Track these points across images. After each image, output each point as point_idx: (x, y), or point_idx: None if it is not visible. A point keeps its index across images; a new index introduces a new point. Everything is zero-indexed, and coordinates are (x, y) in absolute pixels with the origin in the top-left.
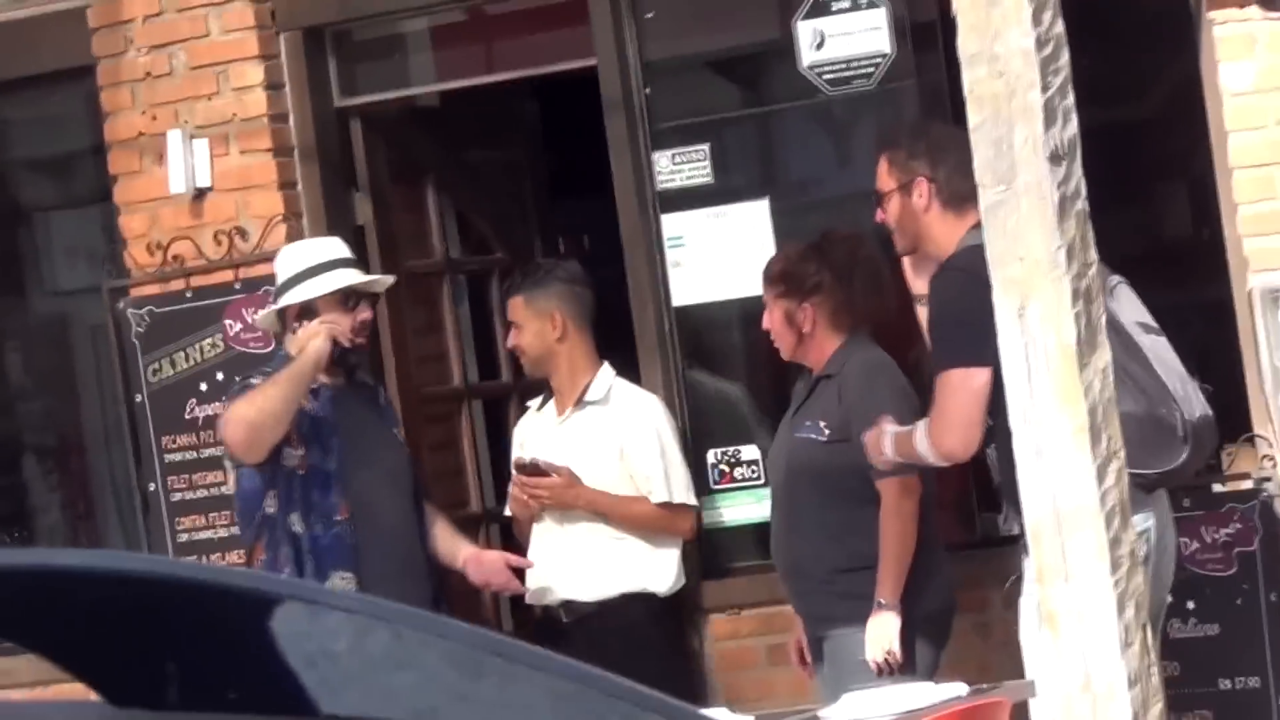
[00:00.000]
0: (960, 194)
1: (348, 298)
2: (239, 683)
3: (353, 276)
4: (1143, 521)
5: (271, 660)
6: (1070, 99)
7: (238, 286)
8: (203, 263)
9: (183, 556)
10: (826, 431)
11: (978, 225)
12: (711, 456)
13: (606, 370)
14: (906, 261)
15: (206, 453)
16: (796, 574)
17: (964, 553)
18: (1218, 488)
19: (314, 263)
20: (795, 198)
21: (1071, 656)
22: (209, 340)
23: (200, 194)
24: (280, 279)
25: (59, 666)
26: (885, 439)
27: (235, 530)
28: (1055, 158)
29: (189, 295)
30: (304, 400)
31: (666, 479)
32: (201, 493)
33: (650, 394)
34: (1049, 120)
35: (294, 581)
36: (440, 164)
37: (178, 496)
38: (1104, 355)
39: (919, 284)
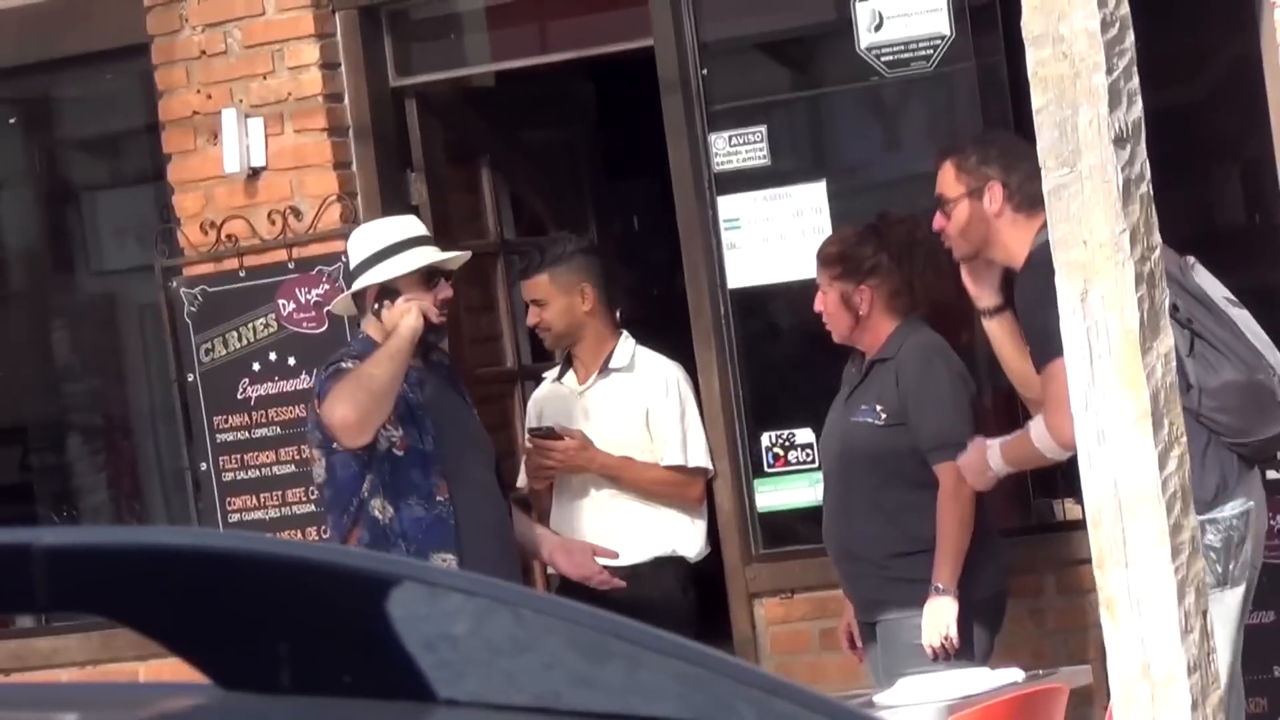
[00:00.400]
0: (1032, 197)
1: (429, 276)
2: (353, 666)
3: (433, 254)
4: (1242, 504)
5: (388, 643)
6: (1135, 81)
7: (291, 266)
8: (256, 242)
9: None
10: (884, 415)
11: (1045, 226)
12: (766, 439)
13: (627, 338)
14: (964, 269)
15: (259, 433)
16: (851, 558)
17: (1018, 538)
18: (1272, 474)
19: (392, 241)
20: (852, 180)
21: (1130, 643)
22: (262, 320)
23: (255, 173)
24: (356, 260)
25: (168, 648)
26: (990, 454)
27: (286, 511)
28: (1120, 140)
29: (242, 275)
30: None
31: (684, 443)
32: (253, 473)
33: (671, 361)
34: (1114, 102)
35: (413, 562)
36: (495, 144)
37: (229, 477)
38: (1166, 340)
39: (979, 291)
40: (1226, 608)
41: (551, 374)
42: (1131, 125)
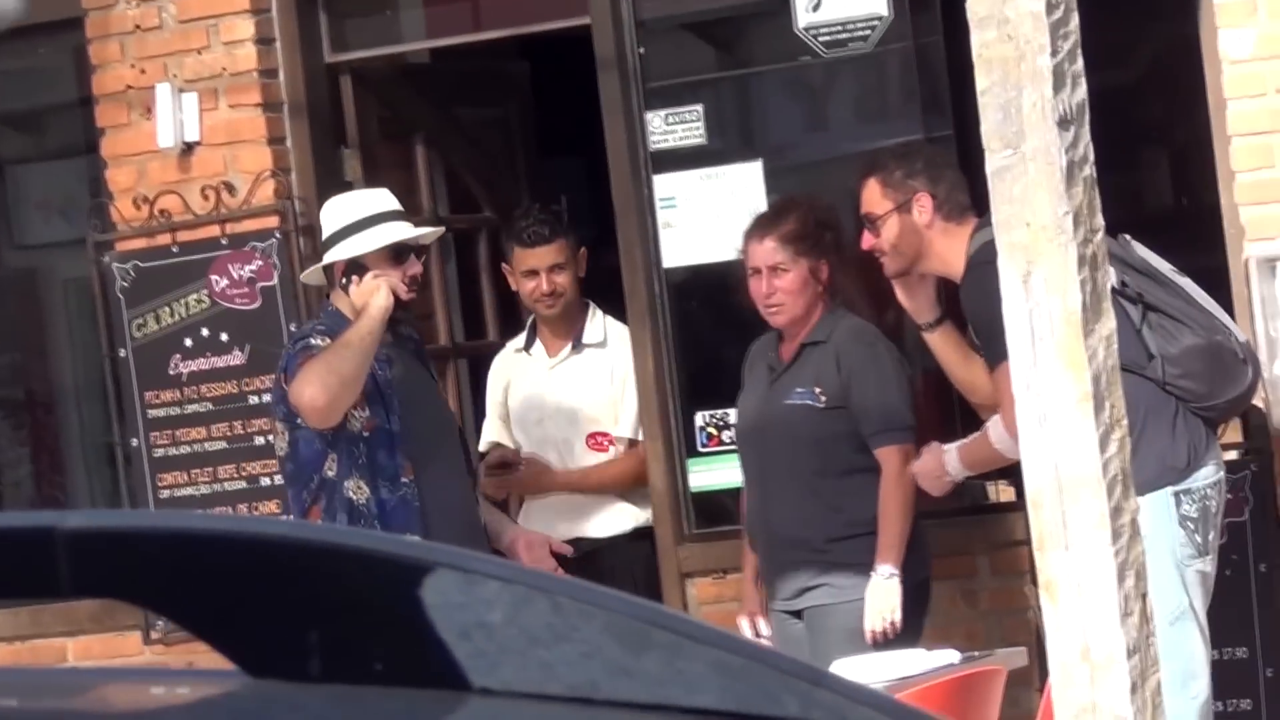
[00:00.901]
0: (960, 207)
1: (398, 252)
2: (385, 654)
3: (403, 231)
4: (1214, 473)
5: (422, 631)
6: (1079, 63)
7: (224, 242)
8: (189, 218)
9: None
10: (823, 398)
11: (977, 228)
12: (700, 419)
13: (595, 310)
14: (898, 287)
15: (190, 409)
16: (786, 543)
17: (951, 519)
18: None
19: (362, 215)
20: (788, 160)
21: (1070, 626)
22: (194, 296)
23: (188, 148)
24: (327, 231)
25: (195, 634)
26: (948, 459)
27: (218, 487)
28: (1064, 122)
29: (175, 250)
30: None
31: (636, 417)
32: (184, 449)
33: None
34: (1058, 84)
35: (448, 549)
36: (430, 122)
37: (160, 453)
38: (1109, 323)
39: (916, 307)
40: (1205, 578)
41: (516, 343)
42: (1076, 107)
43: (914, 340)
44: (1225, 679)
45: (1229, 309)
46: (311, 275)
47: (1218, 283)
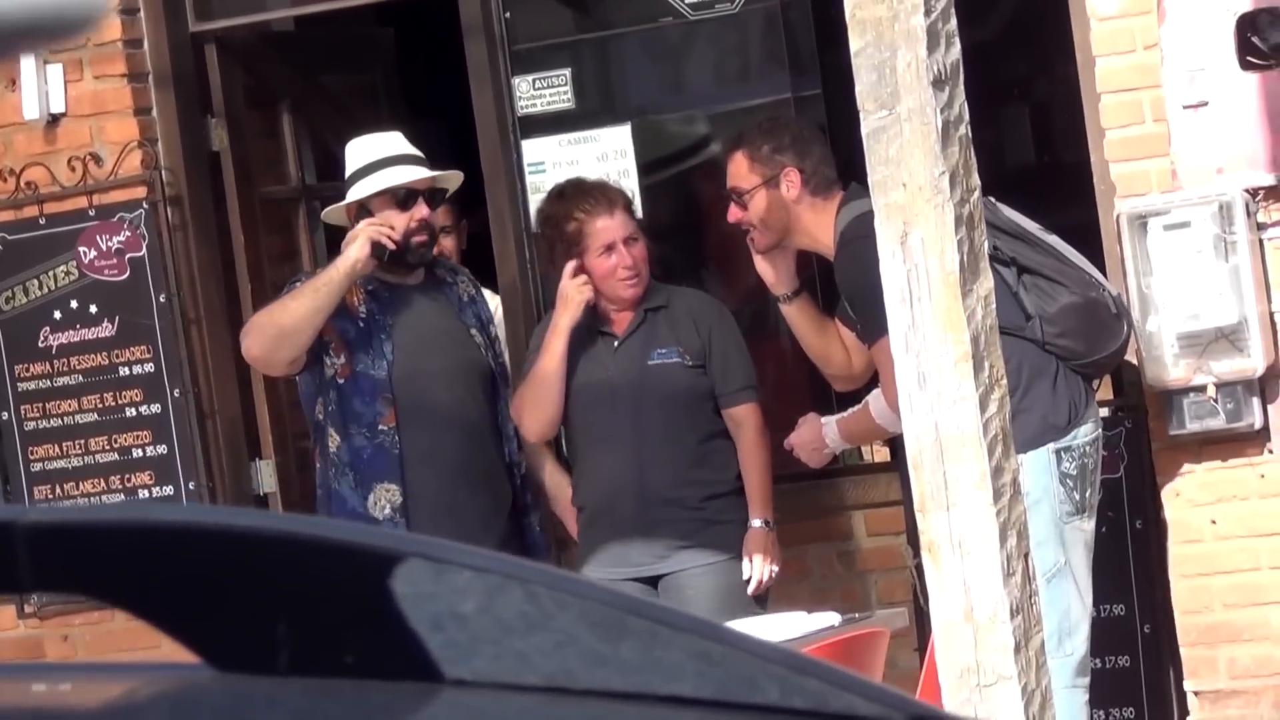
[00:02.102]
0: (827, 181)
1: (407, 196)
2: (356, 647)
3: (399, 175)
4: (1092, 430)
5: (392, 622)
6: (953, 23)
7: (92, 214)
8: (56, 189)
9: (36, 486)
10: (688, 357)
11: (844, 201)
12: None
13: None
14: (759, 261)
15: (60, 381)
16: (657, 504)
17: (827, 480)
18: None
19: (370, 160)
20: (657, 122)
21: (952, 586)
22: (63, 268)
23: (54, 120)
24: (347, 174)
25: (159, 629)
26: (828, 432)
27: (90, 459)
28: (938, 82)
29: (42, 222)
30: (356, 303)
31: None
32: (55, 422)
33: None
34: (932, 44)
35: (419, 538)
36: (296, 90)
37: (31, 426)
38: (986, 282)
39: (776, 279)
40: (1085, 534)
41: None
42: (950, 67)
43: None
44: (1104, 636)
45: (1100, 266)
46: (332, 214)
47: (1088, 239)
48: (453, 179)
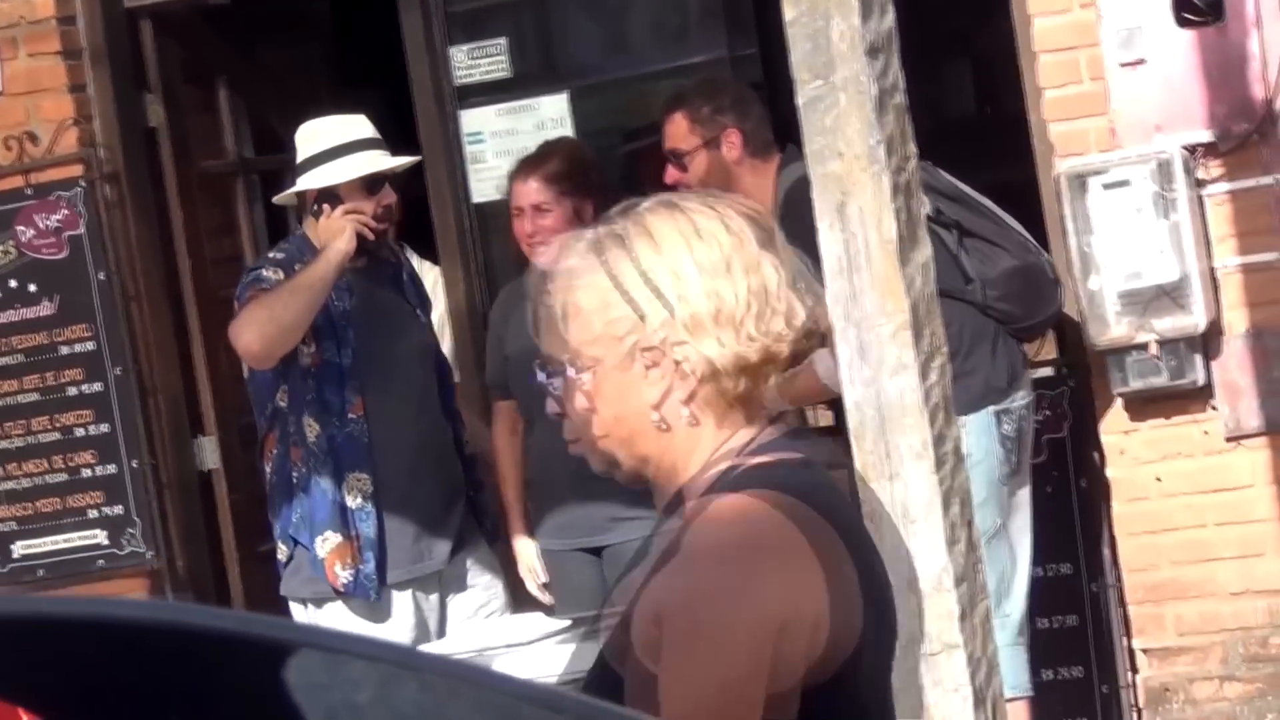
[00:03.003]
0: (767, 143)
1: (372, 181)
2: None
3: (376, 162)
4: (1027, 395)
5: (286, 715)
6: None
7: (29, 192)
8: None
9: None
10: None
11: (782, 164)
12: None
13: (410, 253)
14: None
15: (1, 362)
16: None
17: None
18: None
19: (337, 143)
20: (594, 86)
21: (897, 555)
22: (1, 248)
23: None
24: (300, 156)
25: None
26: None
27: (32, 440)
28: (873, 51)
29: None
30: None
31: (452, 356)
32: None
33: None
34: (866, 13)
35: (311, 628)
36: (232, 64)
37: None
38: (925, 250)
39: None
40: (1021, 496)
41: None
42: (884, 35)
43: None
44: (1050, 595)
45: (1040, 225)
46: (284, 198)
47: (1028, 199)
48: (411, 163)
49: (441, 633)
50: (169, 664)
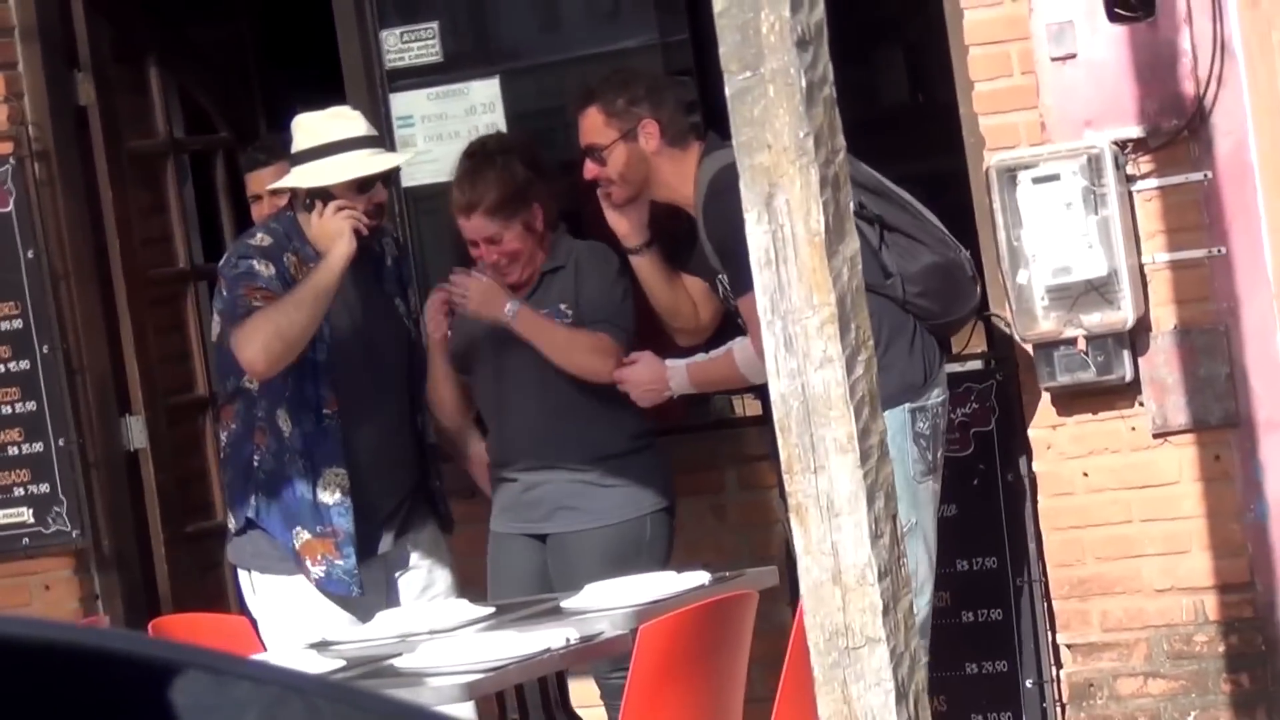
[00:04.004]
0: (683, 130)
1: (364, 179)
2: None
3: (369, 164)
4: (941, 393)
5: None
6: None
7: None
8: None
9: None
10: (570, 312)
11: (705, 151)
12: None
13: None
14: (611, 213)
15: None
16: (546, 466)
17: (698, 434)
18: (954, 367)
19: (331, 139)
20: (526, 69)
21: (820, 548)
22: None
23: None
24: (296, 146)
25: None
26: (673, 375)
27: None
28: (802, 43)
29: None
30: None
31: None
32: None
33: None
34: (795, 5)
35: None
36: (163, 42)
37: None
38: (852, 243)
39: (629, 230)
40: (934, 494)
41: None
42: (814, 27)
43: None
44: (976, 589)
45: (970, 218)
46: (278, 188)
47: (956, 190)
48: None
49: (385, 608)
50: (56, 683)
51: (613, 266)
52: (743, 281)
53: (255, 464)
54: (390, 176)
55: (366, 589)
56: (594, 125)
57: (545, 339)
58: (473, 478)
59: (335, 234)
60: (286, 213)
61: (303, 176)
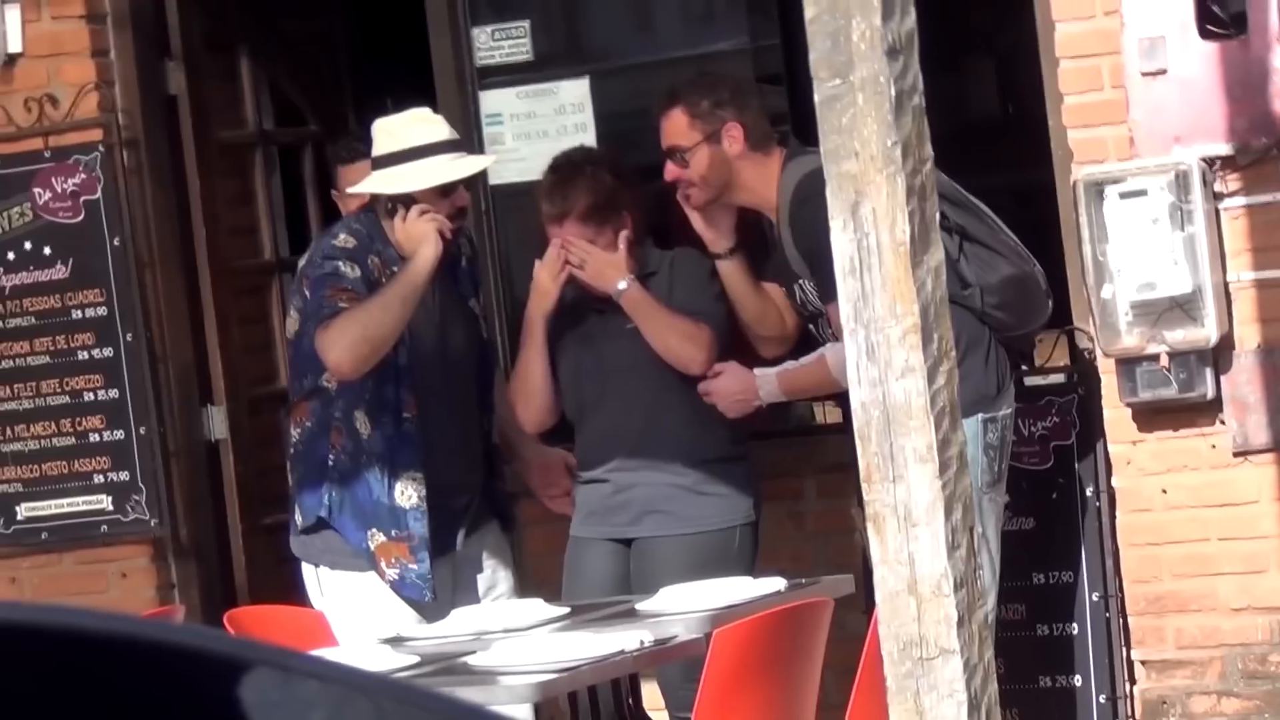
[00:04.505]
0: (767, 135)
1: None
2: None
3: (452, 170)
4: (1010, 404)
5: None
6: None
7: (48, 155)
8: (12, 130)
9: None
10: None
11: (788, 157)
12: None
13: None
14: (697, 216)
15: (13, 323)
16: (641, 469)
17: (779, 440)
18: (1035, 380)
19: (414, 144)
20: (616, 71)
21: (897, 558)
22: (18, 209)
23: (11, 60)
24: (377, 151)
25: None
26: (763, 384)
27: (40, 402)
28: (893, 52)
29: None
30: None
31: None
32: (7, 364)
33: None
34: (887, 13)
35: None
36: (254, 34)
37: None
38: (937, 254)
39: (715, 236)
40: (998, 505)
41: None
42: (905, 36)
43: None
44: (1051, 603)
45: (1056, 231)
46: (358, 191)
47: (1042, 203)
48: (487, 163)
49: (450, 611)
50: (121, 677)
51: (705, 268)
52: (834, 288)
53: (330, 463)
54: (473, 179)
55: (437, 588)
56: (677, 126)
57: (648, 316)
58: (526, 480)
59: (420, 238)
60: (367, 212)
61: (385, 182)
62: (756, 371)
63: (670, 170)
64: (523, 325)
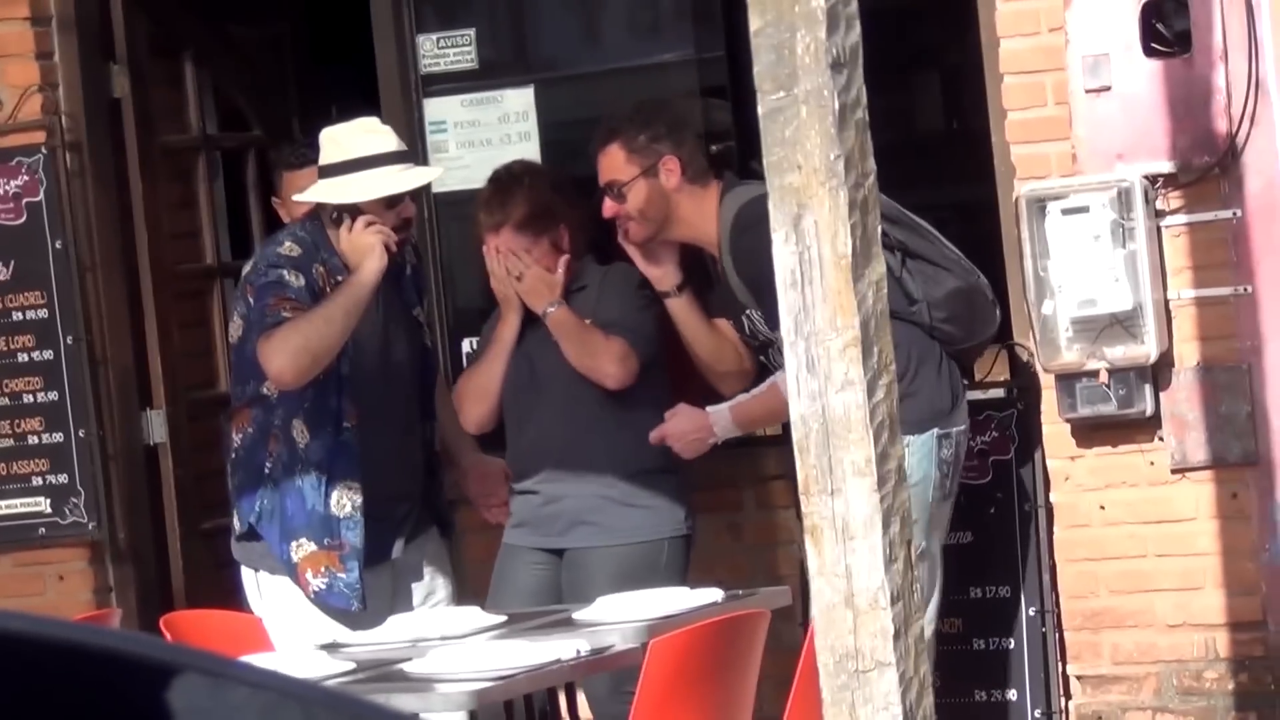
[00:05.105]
0: (703, 169)
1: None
2: None
3: (398, 182)
4: (964, 419)
5: None
6: (854, 5)
7: None
8: None
9: None
10: None
11: (725, 189)
12: (467, 346)
13: None
14: (636, 253)
15: None
16: (568, 480)
17: (718, 452)
18: (975, 395)
19: (361, 155)
20: (560, 80)
21: (834, 571)
22: None
23: None
24: (323, 160)
25: None
26: (717, 420)
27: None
28: (837, 65)
29: None
30: (330, 294)
31: None
32: None
33: None
34: (832, 27)
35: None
36: (200, 38)
37: None
38: (879, 267)
39: (660, 273)
40: (945, 519)
41: None
42: (849, 50)
43: None
44: (988, 617)
45: (997, 247)
46: (303, 199)
47: (984, 218)
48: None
49: (388, 616)
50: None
51: (633, 282)
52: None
53: (266, 471)
54: (418, 190)
55: (373, 596)
56: (614, 162)
57: (567, 335)
58: (463, 488)
59: (365, 250)
60: (313, 219)
61: (332, 191)
62: (709, 409)
63: (609, 206)
64: (495, 330)
